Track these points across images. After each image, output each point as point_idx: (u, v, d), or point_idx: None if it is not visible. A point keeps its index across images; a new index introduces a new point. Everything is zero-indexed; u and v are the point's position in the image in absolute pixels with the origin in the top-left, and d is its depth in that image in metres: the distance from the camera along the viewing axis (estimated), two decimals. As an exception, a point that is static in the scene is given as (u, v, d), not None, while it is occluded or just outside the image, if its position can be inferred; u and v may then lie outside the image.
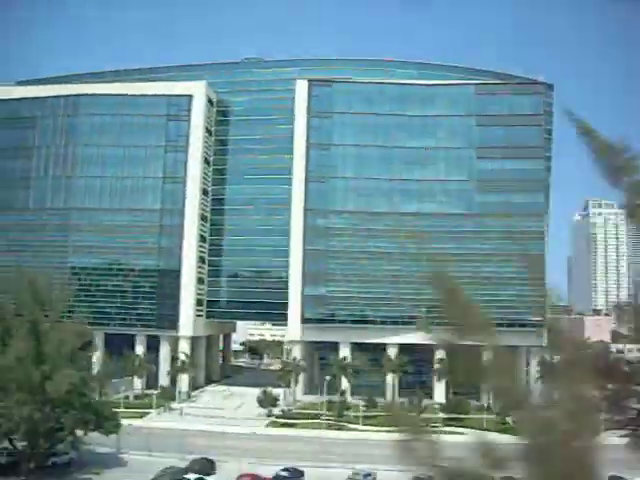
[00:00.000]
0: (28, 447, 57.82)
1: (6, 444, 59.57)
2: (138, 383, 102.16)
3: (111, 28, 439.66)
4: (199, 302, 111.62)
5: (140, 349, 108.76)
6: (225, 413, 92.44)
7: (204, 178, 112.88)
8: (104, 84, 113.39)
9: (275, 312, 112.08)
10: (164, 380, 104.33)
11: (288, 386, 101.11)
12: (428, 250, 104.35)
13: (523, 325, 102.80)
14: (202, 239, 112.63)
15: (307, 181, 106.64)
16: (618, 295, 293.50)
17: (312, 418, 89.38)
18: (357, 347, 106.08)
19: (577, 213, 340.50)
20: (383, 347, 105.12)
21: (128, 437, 66.11)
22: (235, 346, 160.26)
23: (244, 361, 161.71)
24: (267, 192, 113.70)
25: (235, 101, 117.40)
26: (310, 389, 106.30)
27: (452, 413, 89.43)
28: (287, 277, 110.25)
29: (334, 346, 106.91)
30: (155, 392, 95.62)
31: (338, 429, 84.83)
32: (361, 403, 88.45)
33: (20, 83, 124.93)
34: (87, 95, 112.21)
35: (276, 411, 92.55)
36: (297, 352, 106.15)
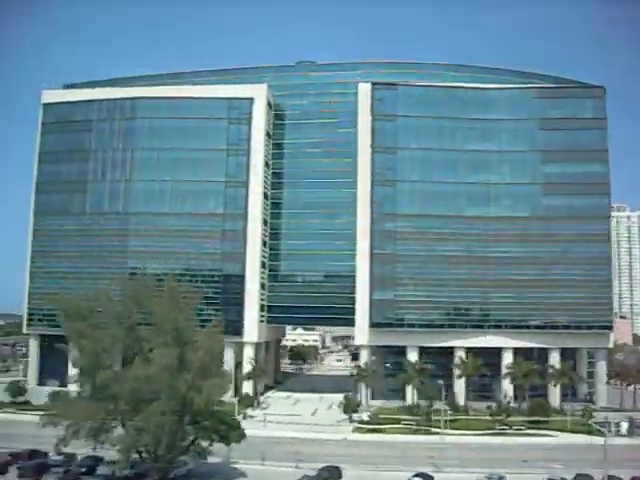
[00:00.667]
0: (151, 458, 56.36)
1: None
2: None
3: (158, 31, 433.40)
4: (261, 307, 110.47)
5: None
6: (303, 419, 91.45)
7: (264, 182, 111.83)
8: (161, 87, 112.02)
9: (337, 317, 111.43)
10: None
11: (355, 391, 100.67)
12: (494, 253, 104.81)
13: (590, 327, 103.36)
14: (263, 244, 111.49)
15: (373, 184, 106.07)
16: (632, 298, 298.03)
17: (393, 423, 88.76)
18: (421, 351, 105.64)
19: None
20: (450, 351, 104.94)
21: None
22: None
23: (286, 366, 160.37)
24: (327, 196, 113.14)
25: (291, 104, 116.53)
26: (375, 394, 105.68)
27: (534, 415, 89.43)
28: (349, 281, 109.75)
29: (398, 350, 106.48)
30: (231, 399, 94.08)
31: (426, 433, 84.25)
32: (446, 408, 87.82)
33: (67, 87, 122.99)
34: (145, 98, 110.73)
35: (355, 417, 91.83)
36: (365, 357, 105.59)
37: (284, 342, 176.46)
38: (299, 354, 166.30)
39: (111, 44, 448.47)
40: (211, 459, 64.78)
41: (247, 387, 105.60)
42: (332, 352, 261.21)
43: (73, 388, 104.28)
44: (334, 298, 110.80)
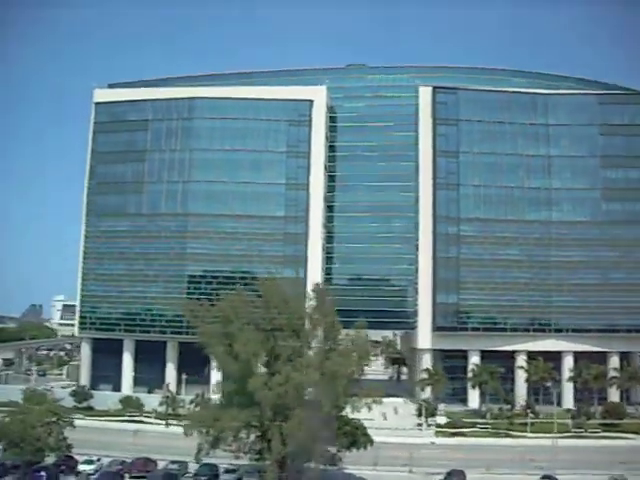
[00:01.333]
0: (279, 468, 55.15)
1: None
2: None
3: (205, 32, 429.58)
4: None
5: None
6: (380, 424, 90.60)
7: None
8: (220, 87, 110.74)
9: (395, 320, 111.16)
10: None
11: (416, 396, 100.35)
12: (555, 257, 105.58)
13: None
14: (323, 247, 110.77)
15: (435, 188, 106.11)
16: None
17: (470, 427, 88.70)
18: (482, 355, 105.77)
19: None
20: (511, 355, 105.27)
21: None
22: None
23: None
24: (384, 199, 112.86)
25: (347, 107, 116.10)
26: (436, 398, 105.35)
27: (608, 418, 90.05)
28: (406, 285, 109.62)
29: (457, 354, 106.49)
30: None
31: (508, 437, 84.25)
32: (527, 411, 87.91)
33: (112, 86, 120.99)
34: (204, 98, 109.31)
35: (430, 420, 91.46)
36: (427, 361, 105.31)
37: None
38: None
39: (160, 44, 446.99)
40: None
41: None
42: None
43: (128, 392, 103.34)
44: (391, 302, 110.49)
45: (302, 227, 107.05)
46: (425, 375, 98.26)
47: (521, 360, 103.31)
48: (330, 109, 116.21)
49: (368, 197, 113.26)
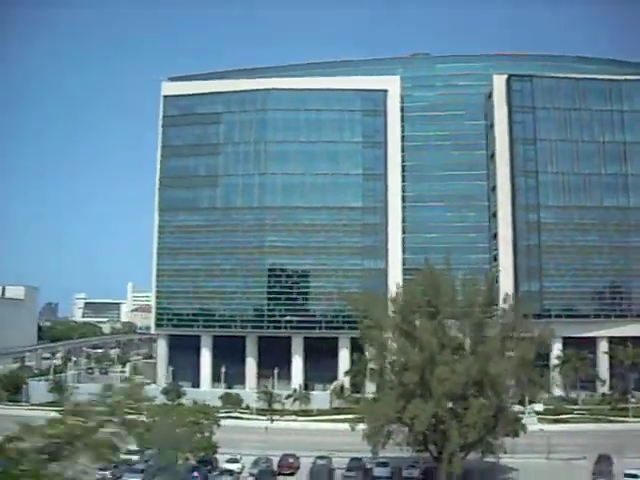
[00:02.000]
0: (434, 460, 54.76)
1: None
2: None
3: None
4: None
5: (345, 352, 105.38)
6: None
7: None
8: (293, 78, 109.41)
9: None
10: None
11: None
12: (634, 243, 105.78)
13: None
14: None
15: (513, 176, 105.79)
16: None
17: (568, 413, 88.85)
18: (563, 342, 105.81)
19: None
20: (592, 341, 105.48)
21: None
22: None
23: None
24: (457, 188, 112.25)
25: (418, 96, 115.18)
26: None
27: None
28: (482, 273, 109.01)
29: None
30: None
31: (609, 422, 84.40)
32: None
33: (173, 79, 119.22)
34: (278, 90, 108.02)
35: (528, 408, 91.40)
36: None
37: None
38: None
39: (224, 35, 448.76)
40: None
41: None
42: None
43: (207, 389, 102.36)
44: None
45: (380, 218, 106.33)
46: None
47: (604, 346, 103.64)
48: (401, 99, 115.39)
49: (440, 186, 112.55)
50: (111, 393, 30.09)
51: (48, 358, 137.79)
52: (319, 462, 59.64)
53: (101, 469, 54.45)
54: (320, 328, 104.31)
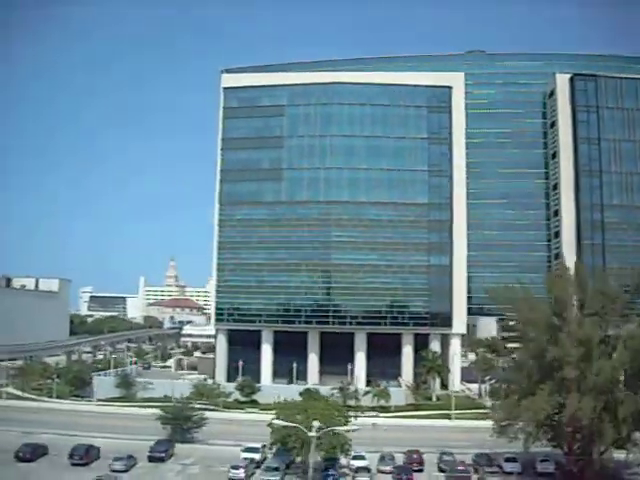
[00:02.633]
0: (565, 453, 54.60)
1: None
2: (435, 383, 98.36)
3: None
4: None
5: (408, 349, 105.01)
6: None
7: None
8: (358, 72, 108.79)
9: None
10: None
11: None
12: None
13: None
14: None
15: (577, 175, 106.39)
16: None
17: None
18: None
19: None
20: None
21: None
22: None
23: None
24: (517, 187, 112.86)
25: (477, 93, 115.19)
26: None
27: None
28: (542, 271, 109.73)
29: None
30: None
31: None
32: None
33: (229, 71, 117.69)
34: (343, 83, 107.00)
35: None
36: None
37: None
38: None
39: (282, 26, 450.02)
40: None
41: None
42: None
43: (268, 384, 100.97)
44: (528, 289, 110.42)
45: (446, 214, 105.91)
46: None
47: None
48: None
49: (500, 184, 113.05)
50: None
51: (89, 352, 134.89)
52: (445, 458, 59.03)
53: (233, 467, 54.04)
54: (385, 324, 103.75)
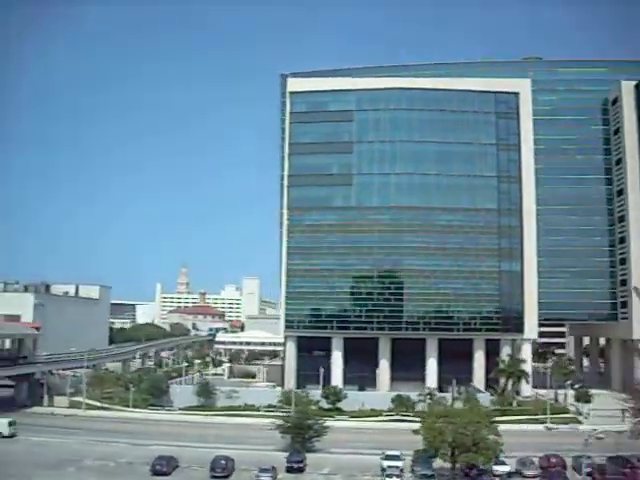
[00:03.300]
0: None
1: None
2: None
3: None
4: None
5: (480, 354, 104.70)
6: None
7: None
8: (427, 79, 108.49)
9: (604, 312, 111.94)
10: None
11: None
12: None
13: None
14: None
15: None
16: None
17: None
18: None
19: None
20: None
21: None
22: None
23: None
24: (582, 193, 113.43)
25: (540, 100, 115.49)
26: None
27: None
28: (606, 277, 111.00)
29: None
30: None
31: None
32: None
33: (295, 75, 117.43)
34: (411, 89, 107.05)
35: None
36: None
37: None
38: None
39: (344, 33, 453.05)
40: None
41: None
42: None
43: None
44: (592, 294, 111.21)
45: (516, 220, 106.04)
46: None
47: None
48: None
49: (565, 190, 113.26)
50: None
51: (138, 359, 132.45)
52: (584, 461, 58.64)
53: (388, 476, 53.19)
54: (458, 330, 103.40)
